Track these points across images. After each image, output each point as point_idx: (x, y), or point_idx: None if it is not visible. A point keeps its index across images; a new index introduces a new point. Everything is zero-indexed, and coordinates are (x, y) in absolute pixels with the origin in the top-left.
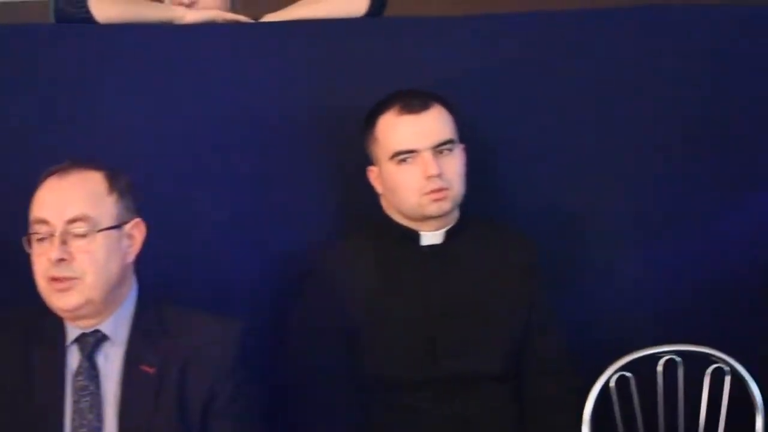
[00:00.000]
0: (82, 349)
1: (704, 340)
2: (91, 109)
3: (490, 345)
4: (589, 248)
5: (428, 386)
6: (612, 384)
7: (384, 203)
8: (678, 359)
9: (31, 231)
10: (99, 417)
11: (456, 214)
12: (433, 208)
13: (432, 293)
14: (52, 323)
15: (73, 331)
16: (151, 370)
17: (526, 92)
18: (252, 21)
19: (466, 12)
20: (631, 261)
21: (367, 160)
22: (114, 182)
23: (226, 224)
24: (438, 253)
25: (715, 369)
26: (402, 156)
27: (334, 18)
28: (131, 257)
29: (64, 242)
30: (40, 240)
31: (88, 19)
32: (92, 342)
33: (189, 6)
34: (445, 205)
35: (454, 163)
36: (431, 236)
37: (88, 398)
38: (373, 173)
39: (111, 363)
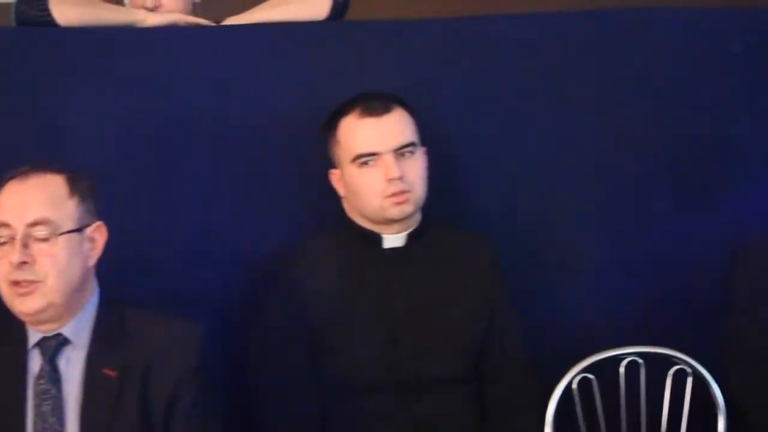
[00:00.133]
0: (43, 353)
1: (666, 341)
2: (53, 112)
3: (452, 347)
4: (551, 251)
5: (390, 388)
6: (574, 386)
7: (346, 206)
8: (640, 361)
9: None
10: (60, 420)
11: (418, 217)
12: (395, 211)
13: (394, 296)
14: (14, 327)
15: (34, 335)
16: (112, 374)
17: (488, 95)
18: (214, 24)
19: (435, 15)
20: (593, 263)
21: (330, 163)
22: (75, 185)
23: (188, 227)
24: (400, 256)
25: (677, 370)
26: (363, 159)
27: (296, 21)
28: (93, 260)
29: (25, 245)
30: (2, 244)
31: (50, 22)
32: (54, 345)
33: (151, 9)
34: (407, 208)
35: (416, 166)
36: (393, 239)
37: (49, 402)
38: (335, 176)
39: (72, 366)
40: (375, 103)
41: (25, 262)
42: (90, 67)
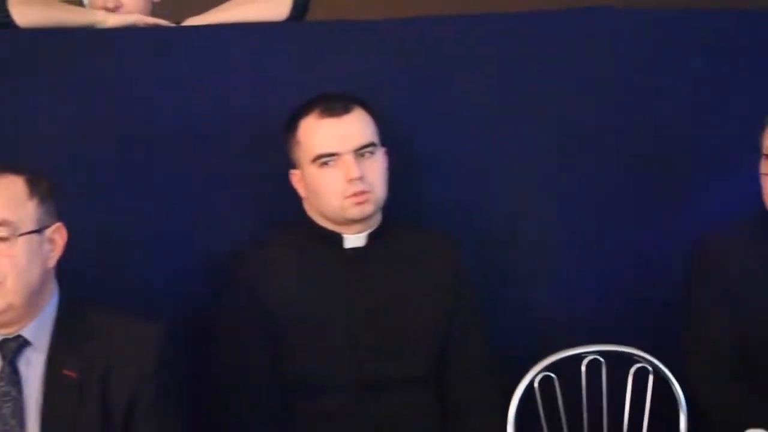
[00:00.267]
0: (3, 355)
1: (627, 340)
2: (12, 113)
3: (414, 348)
4: (512, 251)
5: (351, 389)
6: (536, 384)
7: (307, 206)
8: (601, 359)
9: None
10: (21, 423)
11: (379, 217)
12: (355, 211)
13: (355, 296)
14: None
15: None
16: (73, 375)
17: (449, 95)
18: (173, 25)
19: (397, 15)
20: (554, 263)
21: (290, 164)
22: (35, 186)
23: (150, 227)
24: (361, 256)
25: (639, 369)
26: (324, 159)
27: (257, 21)
28: (52, 262)
29: None
30: None
31: (9, 23)
32: (14, 347)
33: (111, 10)
34: (367, 208)
35: (376, 167)
36: (354, 239)
37: (9, 404)
38: (295, 176)
39: (33, 368)
40: (335, 104)
41: None
42: (50, 68)
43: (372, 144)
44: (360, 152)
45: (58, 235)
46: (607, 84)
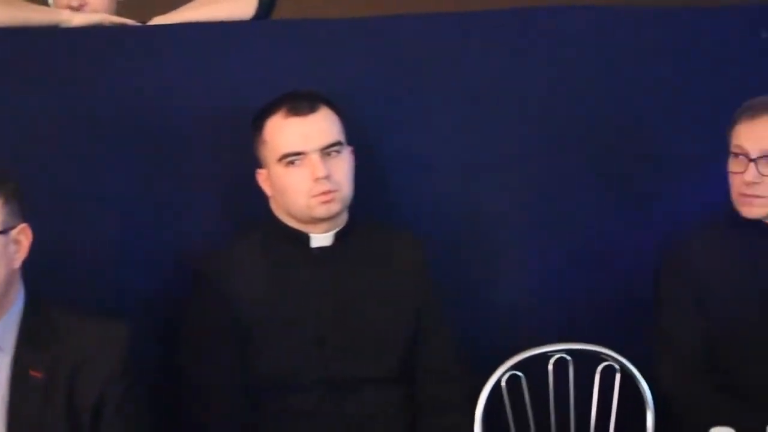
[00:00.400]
0: None
1: (594, 338)
2: None
3: (381, 346)
4: (479, 249)
5: (319, 388)
6: (503, 383)
7: (273, 205)
8: (568, 358)
9: None
10: None
11: (345, 216)
12: (322, 210)
13: (322, 295)
14: None
15: None
16: (39, 375)
17: (415, 94)
18: (139, 24)
19: (363, 14)
20: (521, 262)
21: (257, 163)
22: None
23: (117, 225)
24: (328, 255)
25: (606, 367)
26: (290, 158)
27: (221, 20)
28: (18, 263)
29: None
30: None
31: None
32: None
33: (76, 9)
34: (334, 207)
35: (342, 165)
36: (321, 238)
37: None
38: (261, 176)
39: None
40: (301, 103)
41: None
42: (12, 68)
43: (338, 143)
44: (326, 151)
45: (23, 236)
46: (574, 82)
